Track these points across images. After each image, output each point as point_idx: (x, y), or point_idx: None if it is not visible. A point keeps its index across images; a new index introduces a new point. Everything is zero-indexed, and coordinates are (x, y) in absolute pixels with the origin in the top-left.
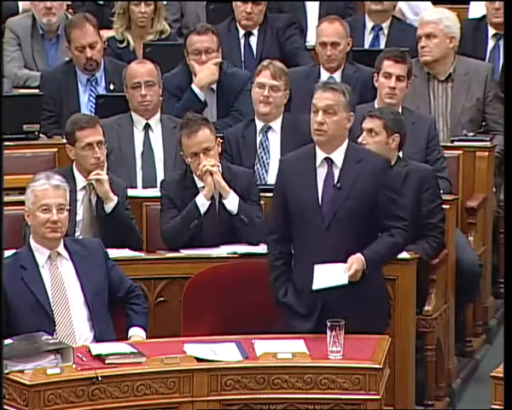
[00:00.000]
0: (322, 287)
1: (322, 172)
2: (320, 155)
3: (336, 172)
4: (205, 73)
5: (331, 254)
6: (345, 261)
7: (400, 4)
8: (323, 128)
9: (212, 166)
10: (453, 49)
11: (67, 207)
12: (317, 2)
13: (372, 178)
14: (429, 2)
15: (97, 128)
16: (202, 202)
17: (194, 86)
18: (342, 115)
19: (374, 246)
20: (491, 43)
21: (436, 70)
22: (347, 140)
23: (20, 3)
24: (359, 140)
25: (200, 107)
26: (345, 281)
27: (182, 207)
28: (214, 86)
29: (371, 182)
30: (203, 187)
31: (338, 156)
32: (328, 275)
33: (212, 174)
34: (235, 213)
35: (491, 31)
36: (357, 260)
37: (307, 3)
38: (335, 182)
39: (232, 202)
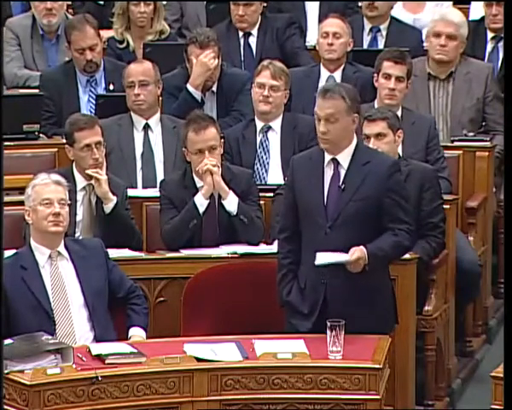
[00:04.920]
0: (325, 262)
1: (328, 173)
2: (327, 155)
3: (342, 173)
4: (197, 71)
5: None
6: None
7: None
8: (327, 137)
9: (214, 165)
10: (460, 52)
11: (68, 203)
12: (317, 2)
13: (379, 181)
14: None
15: (96, 129)
16: (201, 202)
17: (189, 86)
18: (345, 120)
19: (377, 242)
20: (489, 46)
21: (441, 69)
22: (355, 140)
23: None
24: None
25: (197, 106)
26: (347, 258)
27: (181, 207)
28: (214, 87)
29: (378, 185)
30: (202, 187)
31: (344, 157)
32: (330, 256)
33: (212, 174)
34: (235, 213)
35: (490, 33)
36: (360, 250)
37: (307, 3)
38: (340, 183)
39: (232, 203)
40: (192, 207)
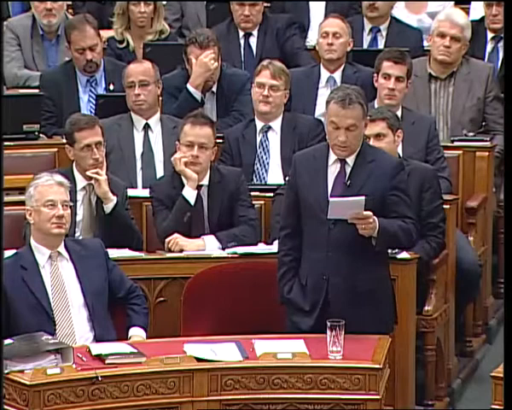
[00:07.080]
0: (336, 216)
1: (333, 170)
2: (333, 155)
3: (348, 171)
4: (197, 71)
5: (336, 250)
6: (348, 257)
7: None
8: (347, 144)
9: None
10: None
11: (70, 204)
12: (323, 3)
13: (383, 179)
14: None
15: (96, 129)
16: (190, 194)
17: (189, 86)
18: (361, 126)
19: (389, 220)
20: (489, 46)
21: (443, 70)
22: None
23: (11, 3)
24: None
25: (197, 106)
26: (361, 204)
27: (173, 207)
28: (214, 87)
29: (382, 183)
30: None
31: (351, 156)
32: (343, 198)
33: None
34: (222, 248)
35: (490, 33)
36: (373, 215)
37: (312, 4)
38: (346, 180)
39: (212, 244)
40: (182, 202)
